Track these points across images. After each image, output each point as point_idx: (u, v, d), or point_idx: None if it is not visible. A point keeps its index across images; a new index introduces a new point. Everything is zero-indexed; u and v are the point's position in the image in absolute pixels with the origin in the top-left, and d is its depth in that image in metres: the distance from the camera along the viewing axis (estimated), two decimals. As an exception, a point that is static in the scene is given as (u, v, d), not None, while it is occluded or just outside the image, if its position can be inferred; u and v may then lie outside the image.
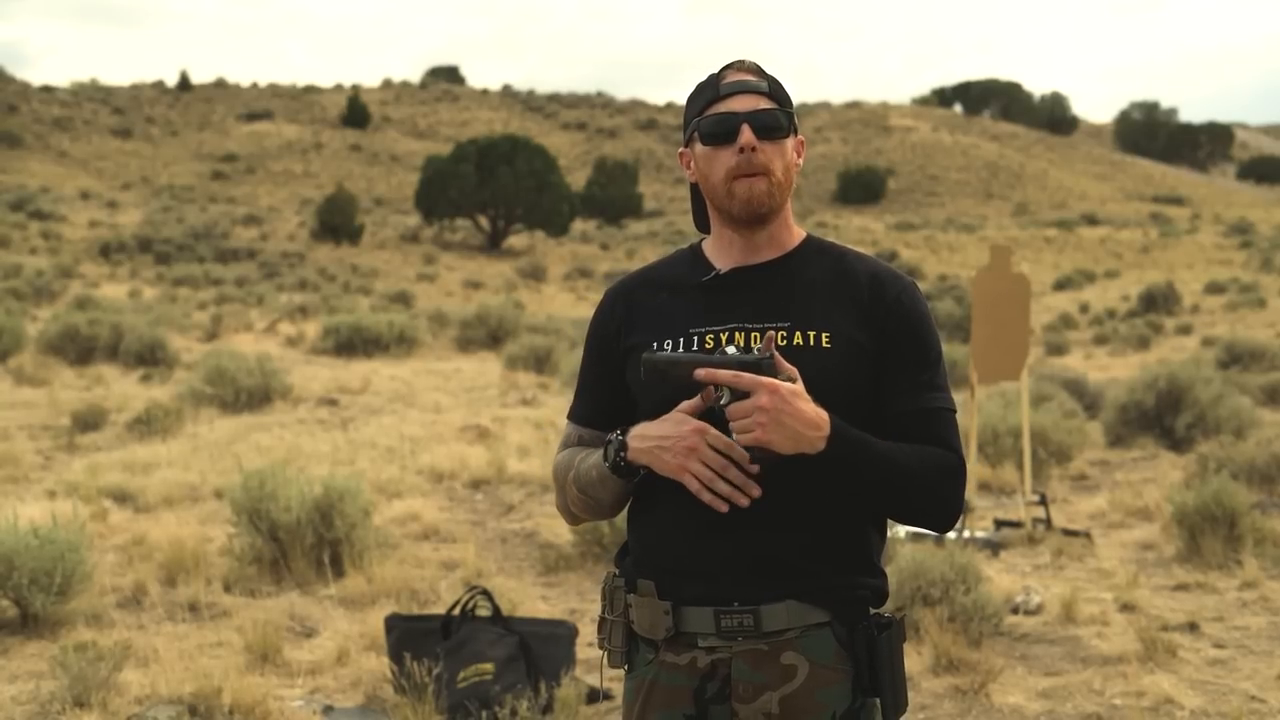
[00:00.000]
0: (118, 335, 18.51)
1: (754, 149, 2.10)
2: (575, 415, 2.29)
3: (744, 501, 2.02)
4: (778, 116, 2.13)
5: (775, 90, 2.16)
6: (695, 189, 2.24)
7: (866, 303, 2.13)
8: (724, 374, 1.94)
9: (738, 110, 2.12)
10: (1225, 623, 5.97)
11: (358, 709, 4.84)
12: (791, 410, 1.93)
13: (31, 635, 5.62)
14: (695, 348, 2.11)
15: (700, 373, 1.97)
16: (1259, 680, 5.16)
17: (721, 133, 2.12)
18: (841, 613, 2.10)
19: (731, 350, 2.02)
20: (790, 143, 2.15)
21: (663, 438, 2.02)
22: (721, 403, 1.97)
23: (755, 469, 2.00)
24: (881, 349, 2.11)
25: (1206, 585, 6.59)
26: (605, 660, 2.22)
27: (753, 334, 2.10)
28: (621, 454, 2.07)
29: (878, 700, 2.10)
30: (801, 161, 2.20)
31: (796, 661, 2.08)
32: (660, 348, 2.12)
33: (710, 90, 2.16)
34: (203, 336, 22.73)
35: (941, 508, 2.11)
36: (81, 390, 14.90)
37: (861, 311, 2.12)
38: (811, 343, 2.10)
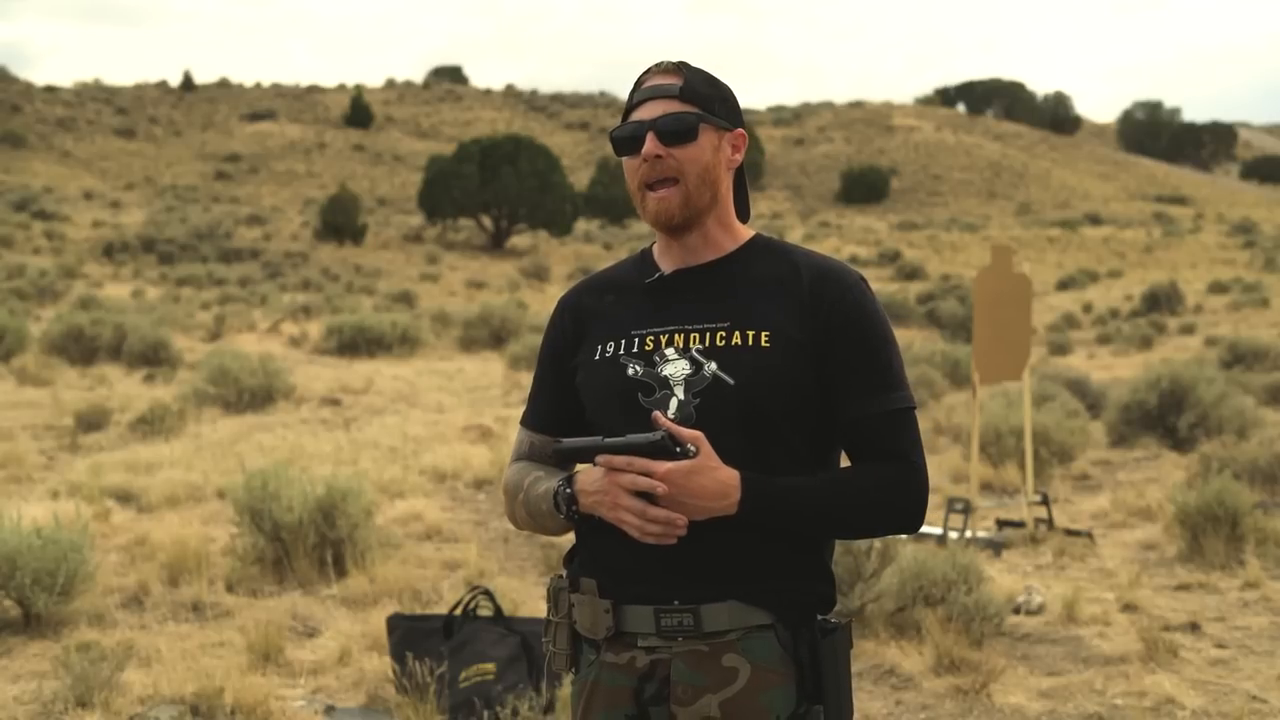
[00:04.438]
0: (121, 335, 18.53)
1: (658, 157, 2.06)
2: (527, 421, 2.28)
3: (672, 537, 1.98)
4: (684, 119, 2.06)
5: (690, 90, 2.07)
6: None
7: (808, 300, 2.08)
8: (619, 460, 1.98)
9: (644, 118, 2.08)
10: (1227, 623, 5.97)
11: (360, 709, 4.85)
12: (687, 490, 1.96)
13: (34, 635, 5.62)
14: (636, 349, 2.10)
15: (599, 459, 2.00)
16: (1260, 680, 5.16)
17: (628, 141, 2.10)
18: (785, 615, 2.05)
19: (671, 351, 2.07)
20: (707, 142, 2.08)
21: (594, 492, 2.02)
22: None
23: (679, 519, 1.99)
24: (825, 348, 2.06)
25: (1208, 585, 6.60)
26: (548, 664, 2.18)
27: (691, 334, 2.08)
28: (573, 507, 2.06)
29: (822, 707, 2.05)
30: (739, 157, 2.14)
31: (737, 664, 2.03)
32: (604, 350, 2.13)
33: (630, 98, 2.14)
34: (206, 336, 22.76)
35: (897, 520, 2.09)
36: (84, 390, 14.91)
37: (803, 309, 2.07)
38: (750, 342, 2.06)
